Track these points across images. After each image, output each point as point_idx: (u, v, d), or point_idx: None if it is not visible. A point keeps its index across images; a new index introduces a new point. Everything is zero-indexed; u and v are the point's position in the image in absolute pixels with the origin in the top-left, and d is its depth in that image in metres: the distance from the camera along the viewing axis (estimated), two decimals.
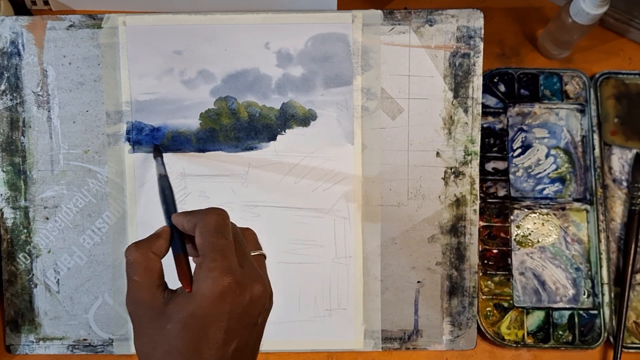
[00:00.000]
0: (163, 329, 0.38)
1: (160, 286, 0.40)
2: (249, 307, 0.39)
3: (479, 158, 0.61)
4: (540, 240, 0.64)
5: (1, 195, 0.61)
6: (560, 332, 0.62)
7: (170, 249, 0.43)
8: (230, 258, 0.39)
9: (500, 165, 0.64)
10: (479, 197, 0.61)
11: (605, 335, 0.62)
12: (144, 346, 0.39)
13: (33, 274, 0.61)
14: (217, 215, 0.41)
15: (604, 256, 0.63)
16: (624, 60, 0.68)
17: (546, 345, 0.62)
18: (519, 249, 0.64)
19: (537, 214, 0.64)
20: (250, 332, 0.40)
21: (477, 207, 0.61)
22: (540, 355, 0.63)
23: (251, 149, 0.60)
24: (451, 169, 0.61)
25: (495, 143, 0.65)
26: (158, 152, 0.58)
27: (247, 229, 0.45)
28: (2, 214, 0.61)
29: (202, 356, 0.38)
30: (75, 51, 0.60)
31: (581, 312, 0.62)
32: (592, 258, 0.63)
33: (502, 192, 0.64)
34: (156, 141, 0.60)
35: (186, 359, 0.38)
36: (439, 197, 0.61)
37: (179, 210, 0.45)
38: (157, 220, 0.60)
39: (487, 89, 0.65)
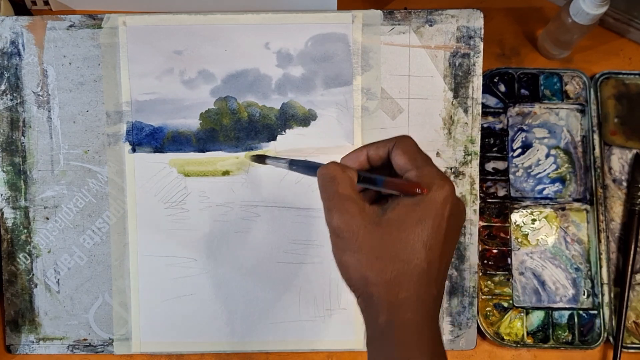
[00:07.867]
0: (385, 237, 0.38)
1: (366, 200, 0.40)
2: (462, 216, 0.40)
3: (478, 158, 0.61)
4: (540, 240, 0.64)
5: (1, 195, 0.61)
6: (560, 332, 0.62)
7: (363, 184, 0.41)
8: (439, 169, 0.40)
9: (500, 165, 0.64)
10: (478, 197, 0.61)
11: (605, 335, 0.62)
12: (363, 258, 0.38)
13: (33, 274, 0.61)
14: (410, 137, 0.41)
15: (603, 256, 0.63)
16: (624, 60, 0.68)
17: (546, 345, 0.62)
18: (519, 249, 0.64)
19: (537, 214, 0.64)
20: (456, 241, 0.41)
21: (477, 207, 0.61)
22: (540, 355, 0.63)
23: (251, 149, 0.60)
24: (451, 169, 0.61)
25: (495, 143, 0.65)
26: (262, 159, 0.55)
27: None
28: (3, 214, 0.61)
29: (435, 256, 0.38)
30: (75, 51, 0.60)
31: (581, 312, 0.62)
32: (592, 258, 0.63)
33: (502, 192, 0.64)
34: (156, 141, 0.60)
35: (422, 260, 0.38)
36: None
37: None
38: (157, 220, 0.60)
39: (487, 89, 0.65)
